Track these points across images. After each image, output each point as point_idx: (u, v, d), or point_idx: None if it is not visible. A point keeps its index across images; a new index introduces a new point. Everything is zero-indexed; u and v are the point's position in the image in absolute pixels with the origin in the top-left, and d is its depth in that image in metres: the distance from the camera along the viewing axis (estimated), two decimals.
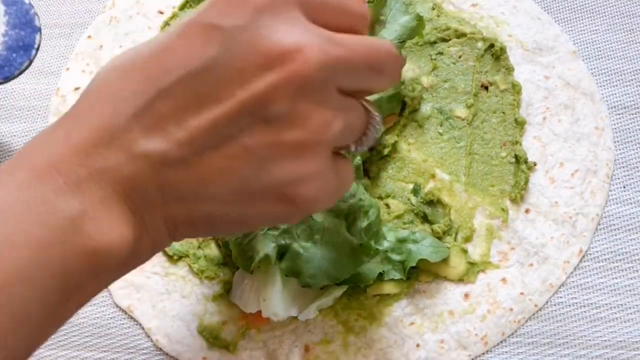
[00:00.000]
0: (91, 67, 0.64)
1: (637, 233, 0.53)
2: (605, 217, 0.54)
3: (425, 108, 0.58)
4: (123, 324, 0.54)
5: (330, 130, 0.30)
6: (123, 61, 0.31)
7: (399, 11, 0.53)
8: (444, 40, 0.60)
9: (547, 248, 0.53)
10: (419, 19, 0.53)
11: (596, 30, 0.61)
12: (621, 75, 0.59)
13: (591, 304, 0.51)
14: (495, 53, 0.59)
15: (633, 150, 0.56)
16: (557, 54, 0.59)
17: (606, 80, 0.59)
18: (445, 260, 0.52)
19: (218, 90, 0.29)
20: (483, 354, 0.51)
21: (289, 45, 0.28)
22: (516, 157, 0.55)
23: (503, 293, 0.52)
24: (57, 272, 0.29)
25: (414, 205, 0.54)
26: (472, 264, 0.53)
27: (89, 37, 0.65)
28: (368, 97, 0.35)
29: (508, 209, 0.54)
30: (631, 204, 0.54)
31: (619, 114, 0.57)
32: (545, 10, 0.62)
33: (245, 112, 0.29)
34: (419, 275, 0.53)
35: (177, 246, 0.55)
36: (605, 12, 0.61)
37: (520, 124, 0.57)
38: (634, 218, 0.54)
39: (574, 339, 0.50)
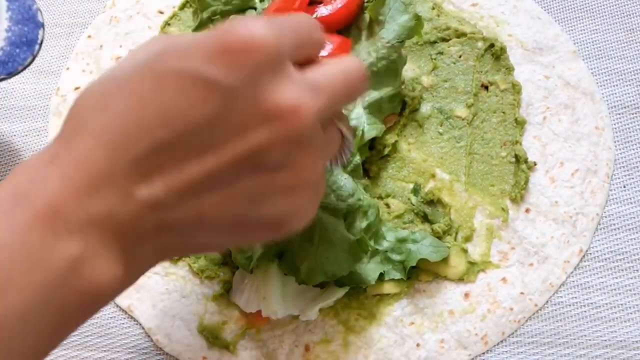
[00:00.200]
0: (91, 67, 0.64)
1: (637, 233, 0.53)
2: (606, 217, 0.54)
3: (426, 108, 0.58)
4: (123, 323, 0.54)
5: (317, 170, 0.34)
6: (114, 93, 0.32)
7: (398, 11, 0.53)
8: (444, 39, 0.60)
9: (547, 248, 0.53)
10: (417, 18, 0.53)
11: (596, 29, 0.61)
12: (621, 75, 0.59)
13: (591, 303, 0.51)
14: (495, 53, 0.59)
15: (633, 150, 0.56)
16: (557, 54, 0.59)
17: (606, 80, 0.59)
18: (445, 260, 0.52)
19: (217, 142, 0.31)
20: (483, 353, 0.51)
21: (286, 104, 0.31)
22: (516, 156, 0.55)
23: (503, 293, 0.52)
24: (54, 311, 0.30)
25: (414, 205, 0.54)
26: (472, 263, 0.53)
27: (89, 36, 0.65)
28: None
29: (508, 208, 0.54)
30: (631, 203, 0.54)
31: (619, 114, 0.57)
32: (545, 10, 0.62)
33: (243, 161, 0.31)
34: (419, 274, 0.53)
35: None
36: (605, 12, 0.61)
37: (520, 123, 0.57)
38: (634, 218, 0.54)
39: (574, 339, 0.50)
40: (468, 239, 0.53)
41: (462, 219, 0.54)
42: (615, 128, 0.57)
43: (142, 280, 0.55)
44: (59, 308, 0.30)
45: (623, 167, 0.56)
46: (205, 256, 0.54)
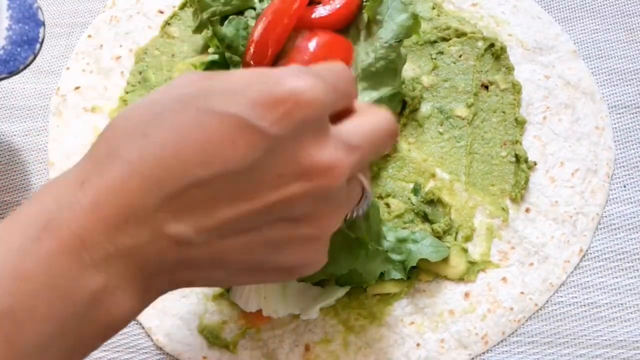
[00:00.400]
0: (91, 67, 0.64)
1: (637, 232, 0.53)
2: (606, 217, 0.54)
3: (426, 107, 0.58)
4: None
5: (337, 223, 0.36)
6: (153, 122, 0.31)
7: (396, 10, 0.53)
8: (444, 39, 0.60)
9: (547, 247, 0.53)
10: (415, 17, 0.53)
11: (596, 29, 0.61)
12: (621, 75, 0.59)
13: (591, 303, 0.51)
14: (495, 52, 0.59)
15: (633, 149, 0.56)
16: (557, 53, 0.59)
17: (606, 80, 0.59)
18: (445, 260, 0.52)
19: (252, 190, 0.31)
20: (483, 353, 0.51)
21: (322, 163, 0.32)
22: (516, 156, 0.55)
23: (503, 292, 0.52)
24: (71, 341, 0.30)
25: (414, 205, 0.54)
26: (472, 263, 0.53)
27: (89, 36, 0.65)
28: None
29: (508, 208, 0.54)
30: (631, 203, 0.54)
31: (619, 114, 0.57)
32: (545, 10, 0.62)
33: (272, 210, 0.32)
34: (419, 274, 0.53)
35: None
36: (605, 12, 0.61)
37: (520, 123, 0.57)
38: (634, 217, 0.54)
39: (574, 338, 0.50)
40: (468, 238, 0.53)
41: (462, 218, 0.54)
42: (616, 128, 0.57)
43: None
44: (76, 338, 0.30)
45: (623, 166, 0.56)
46: None
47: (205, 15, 0.59)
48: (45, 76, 0.64)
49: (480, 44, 0.60)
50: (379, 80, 0.53)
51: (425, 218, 0.54)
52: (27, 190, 0.60)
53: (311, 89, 0.32)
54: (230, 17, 0.57)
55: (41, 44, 0.52)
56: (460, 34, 0.60)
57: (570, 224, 0.54)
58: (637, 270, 0.52)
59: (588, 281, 0.52)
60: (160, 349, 0.53)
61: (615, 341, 0.50)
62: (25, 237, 0.29)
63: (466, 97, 0.58)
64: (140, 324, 0.54)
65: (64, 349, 0.30)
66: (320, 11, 0.55)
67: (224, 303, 0.53)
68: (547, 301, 0.52)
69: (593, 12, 0.61)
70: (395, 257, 0.51)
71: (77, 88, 0.63)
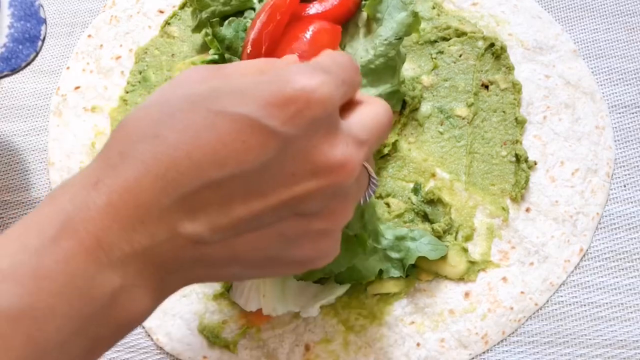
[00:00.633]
0: (91, 66, 0.64)
1: (637, 232, 0.53)
2: (606, 216, 0.54)
3: (426, 107, 0.58)
4: None
5: (349, 215, 0.36)
6: (165, 123, 0.32)
7: (396, 8, 0.53)
8: (445, 39, 0.60)
9: (547, 247, 0.53)
10: (415, 15, 0.53)
11: (597, 29, 0.61)
12: (622, 74, 0.59)
13: (591, 302, 0.51)
14: (495, 52, 0.59)
15: (633, 149, 0.56)
16: (557, 53, 0.59)
17: (607, 79, 0.59)
18: (445, 259, 0.52)
19: (266, 188, 0.32)
20: (483, 352, 0.51)
21: (335, 160, 0.33)
22: (517, 156, 0.55)
23: (503, 292, 0.52)
24: (89, 339, 0.31)
25: (414, 204, 0.54)
26: (472, 262, 0.53)
27: (89, 36, 0.65)
28: None
29: (508, 207, 0.54)
30: (632, 202, 0.54)
31: (620, 113, 0.57)
32: (545, 9, 0.62)
33: (286, 207, 0.32)
34: (419, 274, 0.53)
35: None
36: (605, 11, 0.61)
37: (520, 122, 0.57)
38: (634, 217, 0.54)
39: (575, 338, 0.50)
40: (468, 238, 0.53)
41: (462, 218, 0.54)
42: (616, 127, 0.57)
43: None
44: (95, 336, 0.31)
45: (623, 166, 0.56)
46: None
47: (204, 15, 0.59)
48: (45, 76, 0.64)
49: (480, 43, 0.60)
50: (377, 77, 0.53)
51: (425, 218, 0.54)
52: (27, 190, 0.60)
53: (321, 86, 0.32)
54: (230, 18, 0.57)
55: (43, 41, 0.52)
56: (461, 34, 0.60)
57: (570, 224, 0.53)
58: (638, 270, 0.52)
59: (588, 281, 0.52)
60: (161, 348, 0.53)
61: (616, 341, 0.50)
62: (43, 237, 0.30)
63: (466, 96, 0.58)
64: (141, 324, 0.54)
65: (82, 346, 0.30)
66: (316, 7, 0.55)
67: (224, 302, 0.53)
68: (548, 301, 0.52)
69: (593, 11, 0.61)
70: (394, 255, 0.51)
71: (77, 88, 0.63)
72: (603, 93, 0.58)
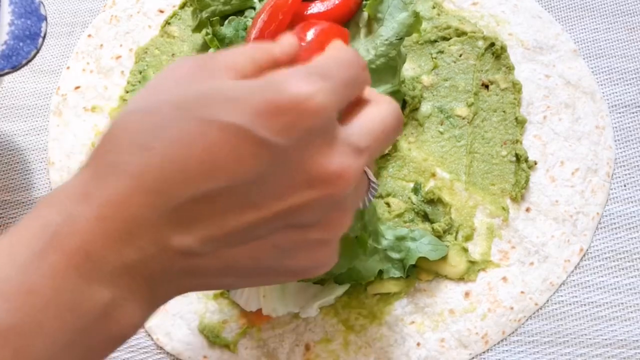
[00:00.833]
0: (91, 66, 0.64)
1: (637, 232, 0.53)
2: (606, 216, 0.54)
3: (426, 107, 0.58)
4: None
5: (348, 225, 0.35)
6: (154, 132, 0.31)
7: (397, 8, 0.53)
8: (445, 38, 0.60)
9: (547, 247, 0.53)
10: (416, 15, 0.53)
11: (597, 28, 0.61)
12: (622, 74, 0.59)
13: (592, 302, 0.51)
14: (495, 52, 0.59)
15: (634, 148, 0.56)
16: (557, 53, 0.59)
17: (607, 79, 0.59)
18: (445, 259, 0.52)
19: (259, 200, 0.31)
20: (483, 352, 0.51)
21: (332, 170, 0.31)
22: (517, 155, 0.55)
23: (504, 292, 0.52)
24: (81, 353, 0.30)
25: (414, 204, 0.54)
26: (472, 262, 0.53)
27: (89, 35, 0.65)
28: None
29: (509, 207, 0.54)
30: (632, 202, 0.54)
31: (620, 113, 0.57)
32: (545, 9, 0.62)
33: (280, 219, 0.31)
34: (419, 274, 0.53)
35: None
36: (606, 11, 0.61)
37: (520, 122, 0.57)
38: (634, 217, 0.54)
39: (575, 338, 0.50)
40: (468, 238, 0.53)
41: (462, 218, 0.54)
42: (616, 127, 0.57)
43: None
44: (87, 349, 0.30)
45: (624, 166, 0.56)
46: None
47: (204, 15, 0.59)
48: (46, 76, 0.64)
49: (480, 43, 0.60)
50: (378, 77, 0.53)
51: (425, 217, 0.54)
52: (27, 189, 0.60)
53: (317, 94, 0.30)
54: (230, 17, 0.57)
55: (43, 38, 0.52)
56: (461, 33, 0.60)
57: (570, 224, 0.53)
58: (638, 269, 0.52)
59: (588, 280, 0.52)
60: (161, 348, 0.53)
61: (616, 340, 0.50)
62: (30, 251, 0.29)
63: (466, 96, 0.58)
64: None
65: (75, 359, 0.30)
66: (318, 7, 0.55)
67: (225, 302, 0.53)
68: (548, 300, 0.52)
69: (593, 11, 0.61)
70: (394, 255, 0.51)
71: (77, 87, 0.63)
72: (603, 93, 0.58)
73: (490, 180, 0.55)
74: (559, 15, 0.62)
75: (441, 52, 0.60)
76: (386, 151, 0.56)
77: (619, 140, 0.56)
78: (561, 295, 0.52)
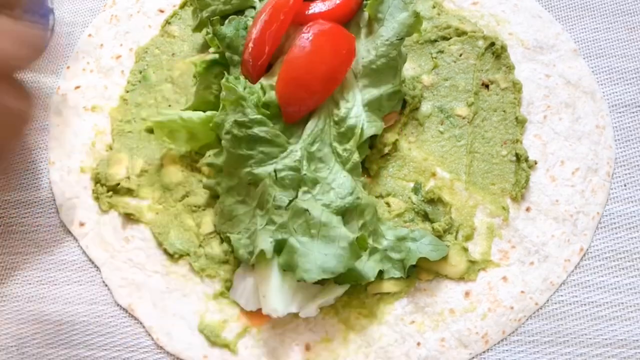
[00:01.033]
0: (91, 66, 0.64)
1: (637, 231, 0.53)
2: (606, 216, 0.54)
3: (426, 106, 0.58)
4: (123, 322, 0.54)
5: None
6: None
7: (397, 8, 0.53)
8: (445, 38, 0.60)
9: (547, 246, 0.53)
10: (416, 15, 0.53)
11: (597, 28, 0.61)
12: (622, 74, 0.59)
13: (592, 302, 0.51)
14: (496, 51, 0.59)
15: (634, 148, 0.56)
16: (558, 52, 0.59)
17: (607, 79, 0.59)
18: (445, 259, 0.52)
19: None
20: (484, 352, 0.51)
21: None
22: (517, 155, 0.55)
23: (504, 291, 0.52)
24: None
25: (414, 204, 0.54)
26: (472, 262, 0.53)
27: (90, 35, 0.65)
28: None
29: (509, 207, 0.54)
30: (632, 202, 0.54)
31: (620, 112, 0.57)
32: (546, 9, 0.62)
33: None
34: (419, 273, 0.53)
35: (178, 245, 0.55)
36: (606, 11, 0.61)
37: (520, 122, 0.57)
38: (634, 216, 0.54)
39: (575, 337, 0.50)
40: (469, 237, 0.53)
41: (462, 217, 0.54)
42: (616, 126, 0.57)
43: (143, 279, 0.55)
44: None
45: (624, 165, 0.56)
46: (206, 255, 0.54)
47: (205, 14, 0.59)
48: (46, 75, 0.64)
49: (480, 42, 0.60)
50: (379, 77, 0.54)
51: (425, 217, 0.54)
52: (27, 189, 0.60)
53: None
54: (231, 16, 0.57)
55: (52, 31, 0.52)
56: (461, 33, 0.60)
57: (570, 223, 0.53)
58: (638, 269, 0.52)
59: (588, 280, 0.52)
60: (161, 347, 0.53)
61: (616, 340, 0.50)
62: None
63: (466, 96, 0.58)
64: (141, 323, 0.54)
65: None
66: (319, 7, 0.55)
67: (225, 302, 0.53)
68: (548, 300, 0.52)
69: (593, 11, 0.61)
70: (394, 255, 0.51)
71: (77, 87, 0.63)
72: (603, 92, 0.58)
73: (490, 180, 0.55)
74: (559, 15, 0.62)
75: (441, 51, 0.60)
76: (386, 151, 0.56)
77: (619, 139, 0.56)
78: (561, 295, 0.52)
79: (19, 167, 0.61)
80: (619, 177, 0.55)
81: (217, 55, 0.57)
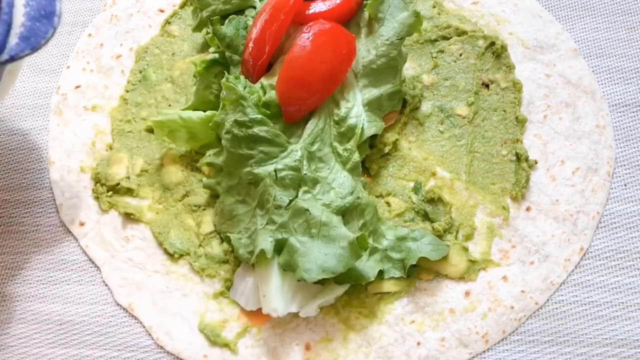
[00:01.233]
0: (91, 66, 0.64)
1: (638, 231, 0.53)
2: (606, 215, 0.54)
3: (426, 106, 0.58)
4: (124, 322, 0.54)
5: None
6: None
7: (397, 8, 0.53)
8: (445, 38, 0.60)
9: (548, 246, 0.53)
10: (417, 15, 0.53)
11: (597, 28, 0.61)
12: (622, 73, 0.59)
13: (592, 302, 0.51)
14: (496, 51, 0.59)
15: (634, 148, 0.56)
16: (558, 52, 0.59)
17: (607, 78, 0.59)
18: (446, 258, 0.52)
19: None
20: (484, 351, 0.51)
21: None
22: (517, 155, 0.55)
23: (504, 291, 0.52)
24: None
25: (414, 204, 0.54)
26: (473, 262, 0.53)
27: (90, 35, 0.65)
28: None
29: (509, 207, 0.54)
30: (632, 201, 0.54)
31: (620, 112, 0.57)
32: (546, 8, 0.62)
33: None
34: (419, 273, 0.53)
35: (178, 244, 0.55)
36: (606, 10, 0.61)
37: (521, 122, 0.57)
38: (635, 216, 0.54)
39: (575, 337, 0.50)
40: (469, 237, 0.53)
41: (462, 217, 0.54)
42: (617, 126, 0.57)
43: (143, 278, 0.55)
44: None
45: (624, 165, 0.56)
46: (206, 254, 0.54)
47: (205, 14, 0.59)
48: (46, 75, 0.64)
49: (480, 42, 0.60)
50: (379, 77, 0.54)
51: (425, 217, 0.54)
52: (27, 189, 0.60)
53: None
54: (231, 16, 0.57)
55: (59, 17, 0.51)
56: (461, 33, 0.60)
57: (571, 223, 0.53)
58: (638, 269, 0.52)
59: (589, 280, 0.52)
60: (161, 347, 0.53)
61: (616, 340, 0.50)
62: None
63: (467, 95, 0.58)
64: (141, 323, 0.54)
65: None
66: (319, 6, 0.55)
67: (225, 302, 0.53)
68: (548, 300, 0.52)
69: (594, 10, 0.61)
70: (394, 255, 0.51)
71: (77, 87, 0.63)
72: (604, 92, 0.58)
73: (490, 180, 0.55)
74: (560, 15, 0.62)
75: (441, 51, 0.60)
76: (386, 150, 0.56)
77: (619, 139, 0.56)
78: (561, 295, 0.52)
79: (19, 167, 0.61)
80: (619, 176, 0.55)
81: (217, 55, 0.57)
